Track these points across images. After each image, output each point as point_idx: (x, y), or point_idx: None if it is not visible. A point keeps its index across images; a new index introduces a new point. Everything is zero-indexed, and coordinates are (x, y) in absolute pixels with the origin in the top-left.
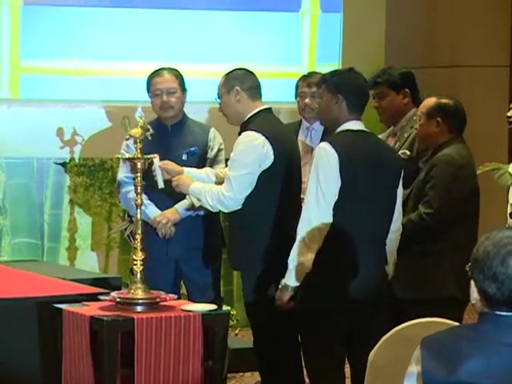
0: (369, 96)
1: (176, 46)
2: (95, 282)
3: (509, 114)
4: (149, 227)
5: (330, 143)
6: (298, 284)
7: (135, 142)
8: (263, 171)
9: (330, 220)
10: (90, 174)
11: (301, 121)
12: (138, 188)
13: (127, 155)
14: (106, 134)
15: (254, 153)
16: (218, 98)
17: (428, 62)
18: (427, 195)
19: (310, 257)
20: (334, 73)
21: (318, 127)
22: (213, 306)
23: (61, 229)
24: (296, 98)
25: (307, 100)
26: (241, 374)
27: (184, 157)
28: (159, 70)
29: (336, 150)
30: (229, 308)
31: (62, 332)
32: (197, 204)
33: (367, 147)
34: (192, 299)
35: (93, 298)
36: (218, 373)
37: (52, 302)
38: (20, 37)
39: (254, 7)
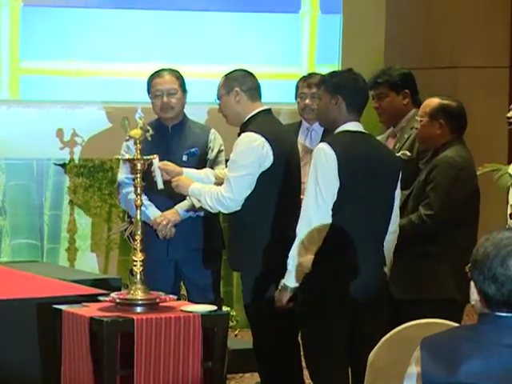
0: (368, 97)
1: (176, 47)
2: (95, 282)
3: (509, 114)
4: (149, 228)
5: (329, 144)
6: (297, 285)
7: (135, 143)
8: (263, 172)
9: (329, 221)
10: (90, 175)
11: (301, 121)
12: (138, 189)
13: (127, 156)
14: (106, 134)
15: (253, 154)
16: (218, 99)
17: (428, 63)
18: (428, 197)
19: (309, 257)
20: (333, 74)
21: (317, 128)
22: (212, 307)
23: (60, 230)
24: (296, 98)
25: (307, 101)
26: (240, 374)
27: (184, 158)
28: (160, 70)
29: (335, 151)
30: (228, 309)
31: (62, 333)
32: (197, 205)
33: (366, 148)
34: (192, 300)
35: (92, 298)
36: (217, 373)
37: (52, 302)
38: (20, 38)
39: (253, 8)
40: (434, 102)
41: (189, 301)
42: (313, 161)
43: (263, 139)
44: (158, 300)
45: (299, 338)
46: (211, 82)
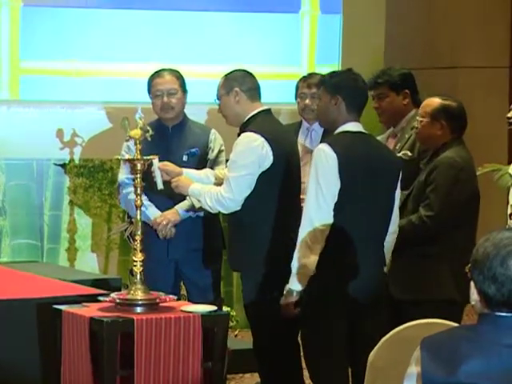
0: (367, 97)
1: (176, 47)
2: (95, 283)
3: (509, 115)
4: (149, 228)
5: (329, 144)
6: (302, 288)
7: (135, 144)
8: (262, 172)
9: (331, 221)
10: (90, 175)
11: (301, 121)
12: (138, 189)
13: (127, 156)
14: (106, 135)
15: (253, 154)
16: (218, 99)
17: (428, 63)
18: (428, 198)
19: (314, 258)
20: (332, 74)
21: (318, 128)
22: (212, 307)
23: (60, 230)
24: (296, 98)
25: (307, 101)
26: (240, 375)
27: (185, 158)
28: (160, 70)
29: (335, 152)
30: (228, 309)
31: (62, 333)
32: (197, 205)
33: (366, 149)
34: (192, 300)
35: (92, 299)
36: (217, 374)
37: (52, 302)
38: (20, 38)
39: (253, 8)
40: (435, 102)
41: (189, 301)
42: (313, 161)
43: (263, 139)
44: (158, 300)
45: (299, 339)
46: (211, 82)
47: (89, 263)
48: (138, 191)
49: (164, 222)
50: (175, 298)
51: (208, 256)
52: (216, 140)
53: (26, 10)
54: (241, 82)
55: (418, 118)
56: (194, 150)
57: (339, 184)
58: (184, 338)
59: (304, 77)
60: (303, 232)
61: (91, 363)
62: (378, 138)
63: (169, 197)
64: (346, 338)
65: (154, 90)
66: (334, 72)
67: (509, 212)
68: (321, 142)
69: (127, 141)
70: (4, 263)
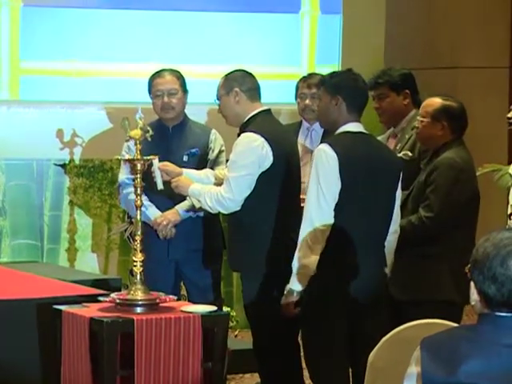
0: (368, 97)
1: (176, 47)
2: (95, 283)
3: (509, 115)
4: (149, 228)
5: (330, 145)
6: (302, 288)
7: (135, 144)
8: (262, 172)
9: (331, 221)
10: (90, 176)
11: (301, 122)
12: (138, 189)
13: (127, 156)
14: (106, 135)
15: (253, 154)
16: (218, 99)
17: (428, 64)
18: (428, 198)
19: (314, 258)
20: (332, 74)
21: (318, 128)
22: (212, 308)
23: (60, 230)
24: (296, 99)
25: (307, 101)
26: (240, 375)
27: (185, 158)
28: (160, 71)
29: (335, 152)
30: (228, 309)
31: (62, 333)
32: (197, 205)
33: (366, 149)
34: (192, 300)
35: (93, 299)
36: (217, 374)
37: (52, 303)
38: (20, 38)
39: (253, 9)
40: (436, 102)
41: (189, 301)
42: (314, 162)
43: (263, 139)
44: (158, 300)
45: (299, 339)
46: (211, 82)
47: (89, 263)
48: (138, 191)
49: (164, 223)
50: (175, 298)
51: (208, 256)
52: (216, 140)
53: (26, 10)
54: (241, 82)
55: (418, 117)
56: (194, 150)
57: (340, 184)
58: (184, 339)
59: (304, 77)
60: (304, 232)
61: (91, 363)
62: (379, 138)
63: (169, 197)
64: (346, 338)
65: (154, 90)
66: (334, 72)
67: (509, 212)
68: (321, 142)
69: (127, 141)
70: (4, 263)
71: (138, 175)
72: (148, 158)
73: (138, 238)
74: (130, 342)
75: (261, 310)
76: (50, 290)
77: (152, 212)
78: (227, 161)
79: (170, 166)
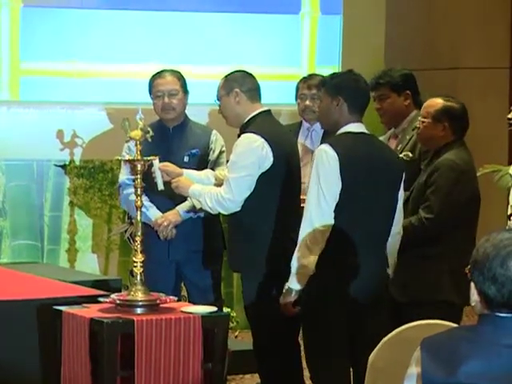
0: (369, 97)
1: (176, 48)
2: (95, 283)
3: (509, 115)
4: (150, 229)
5: (331, 145)
6: (301, 287)
7: (135, 144)
8: (262, 173)
9: (331, 222)
10: (90, 176)
11: (301, 122)
12: (138, 190)
13: (127, 157)
14: (106, 136)
15: (253, 155)
16: (218, 99)
17: (428, 64)
18: (428, 200)
19: (313, 259)
20: (333, 75)
21: (318, 128)
22: (213, 308)
23: (61, 231)
24: (296, 99)
25: (307, 102)
26: (241, 375)
27: (185, 159)
28: (161, 71)
29: (336, 152)
30: (229, 310)
31: (62, 334)
32: (198, 206)
33: (368, 149)
34: (192, 301)
35: (93, 299)
36: (217, 375)
37: (52, 304)
38: (20, 39)
39: (254, 9)
40: (437, 103)
41: (189, 302)
42: (315, 162)
43: (263, 140)
44: (158, 301)
45: (299, 339)
46: (211, 82)
47: (89, 264)
48: (139, 192)
49: (165, 223)
50: (175, 299)
51: (208, 257)
52: (217, 141)
53: (26, 11)
54: (241, 83)
55: (420, 118)
56: (194, 150)
57: (340, 184)
58: (184, 339)
59: (304, 78)
60: (303, 232)
61: (91, 364)
62: (380, 138)
63: (169, 197)
64: (346, 338)
65: (155, 91)
66: (334, 73)
67: (509, 213)
68: (322, 142)
69: (128, 142)
70: (4, 264)
71: (139, 176)
72: (148, 158)
73: (138, 238)
74: (131, 343)
75: (261, 309)
76: (51, 291)
77: (153, 213)
78: (228, 161)
79: (170, 167)
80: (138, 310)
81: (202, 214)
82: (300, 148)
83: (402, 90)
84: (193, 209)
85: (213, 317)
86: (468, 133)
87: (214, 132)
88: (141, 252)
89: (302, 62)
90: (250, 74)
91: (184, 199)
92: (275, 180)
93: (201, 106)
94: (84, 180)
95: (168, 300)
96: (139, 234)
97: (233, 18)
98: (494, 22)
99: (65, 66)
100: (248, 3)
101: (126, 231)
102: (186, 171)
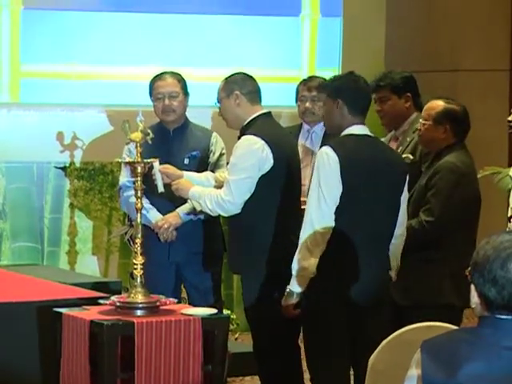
0: (371, 98)
1: (176, 50)
2: (95, 286)
3: (510, 118)
4: (150, 231)
5: (332, 147)
6: (302, 290)
7: (135, 146)
8: (263, 175)
9: (332, 224)
10: (90, 178)
11: (301, 124)
12: (138, 192)
13: (128, 159)
14: (106, 138)
15: (253, 157)
16: (218, 102)
17: (428, 67)
18: (429, 202)
19: (314, 261)
20: (334, 78)
21: (318, 130)
22: (213, 310)
23: (61, 233)
24: (296, 102)
25: (307, 104)
26: (241, 377)
27: (186, 161)
28: (162, 73)
29: (337, 154)
30: (229, 312)
31: (62, 336)
32: (198, 208)
33: (370, 151)
34: (192, 303)
35: (93, 302)
36: (217, 377)
37: (52, 306)
38: (20, 41)
39: (254, 12)
40: (439, 105)
41: (189, 304)
42: (316, 164)
43: (263, 142)
44: (158, 303)
45: (299, 341)
46: (212, 85)
47: (89, 266)
48: (139, 194)
49: (165, 226)
50: (175, 301)
51: (208, 259)
52: (217, 143)
53: (27, 13)
54: (241, 85)
55: (421, 120)
56: (195, 152)
57: (341, 187)
58: (184, 341)
59: (304, 80)
60: (304, 234)
61: (91, 366)
62: None
63: (170, 200)
64: (346, 340)
65: (155, 93)
66: (335, 76)
67: (509, 215)
68: (322, 144)
69: (128, 144)
70: (4, 266)
71: (139, 178)
72: (148, 160)
73: (138, 240)
74: (131, 345)
75: (261, 311)
76: (51, 293)
77: (153, 215)
78: (228, 164)
79: (170, 169)
80: (138, 312)
81: (202, 216)
82: (300, 150)
83: (402, 92)
84: (193, 211)
85: (213, 319)
86: (468, 135)
87: (214, 134)
88: (141, 254)
89: (303, 64)
90: (251, 77)
91: (184, 201)
92: (275, 182)
93: (201, 108)
94: (84, 182)
95: (168, 302)
96: (139, 236)
97: (233, 20)
98: (494, 25)
99: (65, 68)
100: (248, 6)
101: (126, 233)
102: (186, 173)
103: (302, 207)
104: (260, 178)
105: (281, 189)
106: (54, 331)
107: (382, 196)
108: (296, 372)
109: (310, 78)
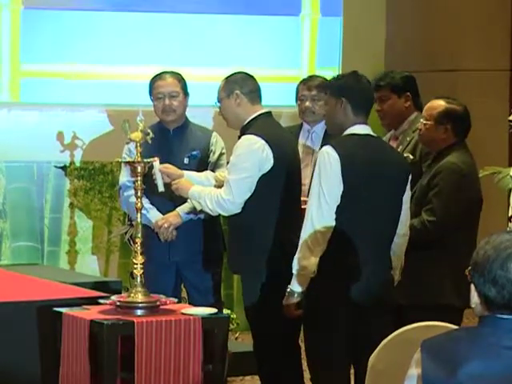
0: (373, 98)
1: (177, 49)
2: (95, 285)
3: (510, 118)
4: (150, 231)
5: (333, 147)
6: (302, 289)
7: (135, 146)
8: (263, 175)
9: (333, 223)
10: (90, 178)
11: (301, 124)
12: (138, 192)
13: (128, 159)
14: (107, 137)
15: (253, 156)
16: (218, 101)
17: (428, 66)
18: (430, 202)
19: (314, 260)
20: (337, 77)
21: (318, 130)
22: (213, 310)
23: (61, 232)
24: (296, 101)
25: (307, 103)
26: (241, 377)
27: (186, 160)
28: (162, 73)
29: (338, 154)
30: (229, 311)
31: (62, 335)
32: (198, 207)
33: (372, 151)
34: (192, 303)
35: (93, 301)
36: (218, 376)
37: (52, 305)
38: (20, 40)
39: (254, 11)
40: (440, 105)
41: (189, 304)
42: (317, 163)
43: (263, 142)
44: (158, 303)
45: (299, 341)
46: (212, 84)
47: (89, 266)
48: (139, 194)
49: (166, 225)
50: (175, 300)
51: (208, 259)
52: (217, 143)
53: (27, 13)
54: (241, 85)
55: (422, 120)
56: (195, 152)
57: (342, 186)
58: (184, 341)
59: (304, 79)
60: (305, 234)
61: (91, 366)
62: None
63: (170, 199)
64: (347, 339)
65: (155, 93)
66: (338, 75)
67: (509, 214)
68: (323, 143)
69: (128, 143)
70: (4, 266)
71: (139, 177)
72: (149, 160)
73: (138, 240)
74: (131, 345)
75: (260, 311)
76: (51, 293)
77: (153, 214)
78: (228, 163)
79: (170, 168)
80: (138, 312)
81: (202, 216)
82: (300, 149)
83: (402, 92)
84: (193, 210)
85: (213, 318)
86: (468, 135)
87: (215, 134)
88: (141, 254)
89: (303, 63)
90: (251, 76)
91: (184, 201)
92: (275, 182)
93: (201, 107)
94: (84, 182)
95: (168, 302)
96: (139, 235)
97: (233, 20)
98: (494, 24)
99: (65, 67)
100: (248, 5)
101: (126, 233)
102: (186, 173)
103: (303, 207)
104: (260, 178)
105: (281, 188)
106: (54, 331)
107: (384, 195)
108: (296, 372)
109: (310, 78)
